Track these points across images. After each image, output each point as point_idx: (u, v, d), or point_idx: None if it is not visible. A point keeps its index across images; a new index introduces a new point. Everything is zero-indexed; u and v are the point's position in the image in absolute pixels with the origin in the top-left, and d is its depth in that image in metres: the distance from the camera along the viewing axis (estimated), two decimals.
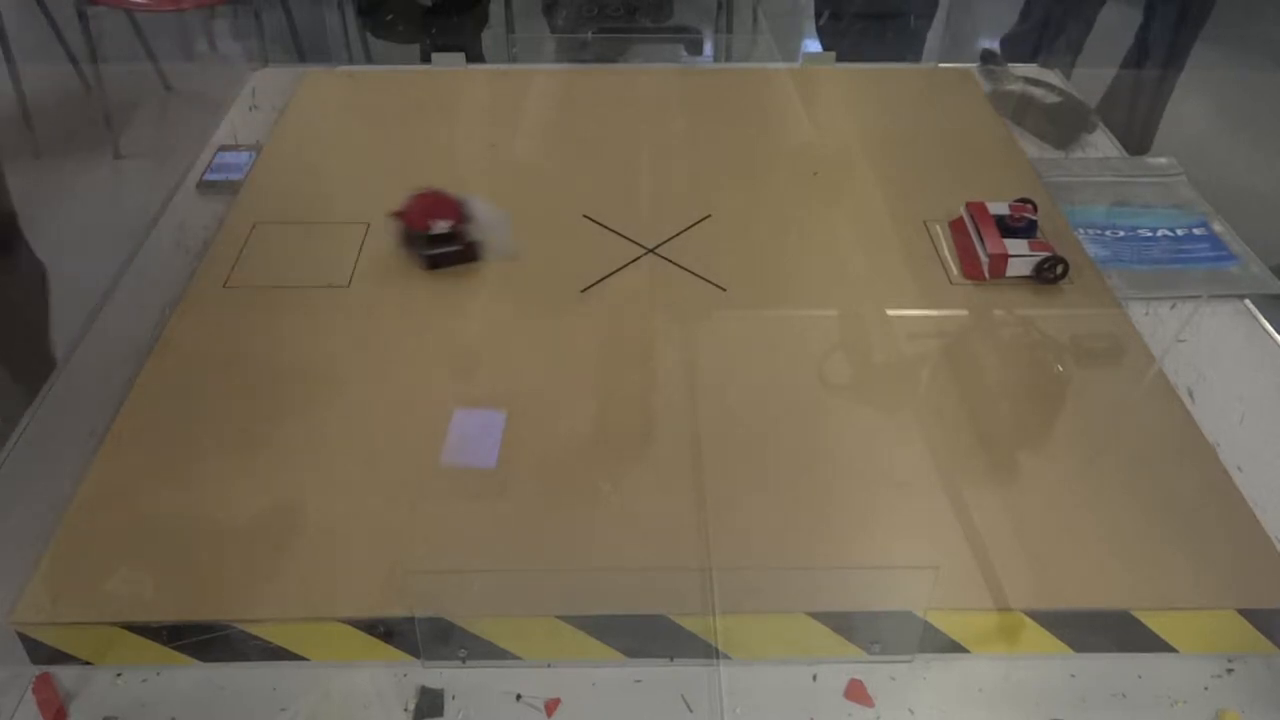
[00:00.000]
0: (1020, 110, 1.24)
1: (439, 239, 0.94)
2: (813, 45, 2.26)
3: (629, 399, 0.82)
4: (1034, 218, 0.96)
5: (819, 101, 1.26)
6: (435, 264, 0.95)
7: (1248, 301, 0.96)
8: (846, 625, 0.66)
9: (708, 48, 2.66)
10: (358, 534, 0.70)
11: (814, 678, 0.66)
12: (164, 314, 0.91)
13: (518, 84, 1.31)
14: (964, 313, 0.92)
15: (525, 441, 0.77)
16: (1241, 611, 0.66)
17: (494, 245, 0.96)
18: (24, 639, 0.65)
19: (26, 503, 0.74)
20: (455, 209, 0.94)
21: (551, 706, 0.64)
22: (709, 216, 1.03)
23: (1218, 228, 1.06)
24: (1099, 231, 1.04)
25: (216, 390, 0.83)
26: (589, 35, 2.23)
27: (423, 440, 0.78)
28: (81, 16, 2.33)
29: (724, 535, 0.70)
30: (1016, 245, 0.94)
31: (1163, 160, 1.16)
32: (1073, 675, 0.66)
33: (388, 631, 0.65)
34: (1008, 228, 0.95)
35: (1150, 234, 1.05)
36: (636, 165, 1.13)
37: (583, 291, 0.93)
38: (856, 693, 0.65)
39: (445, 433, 0.78)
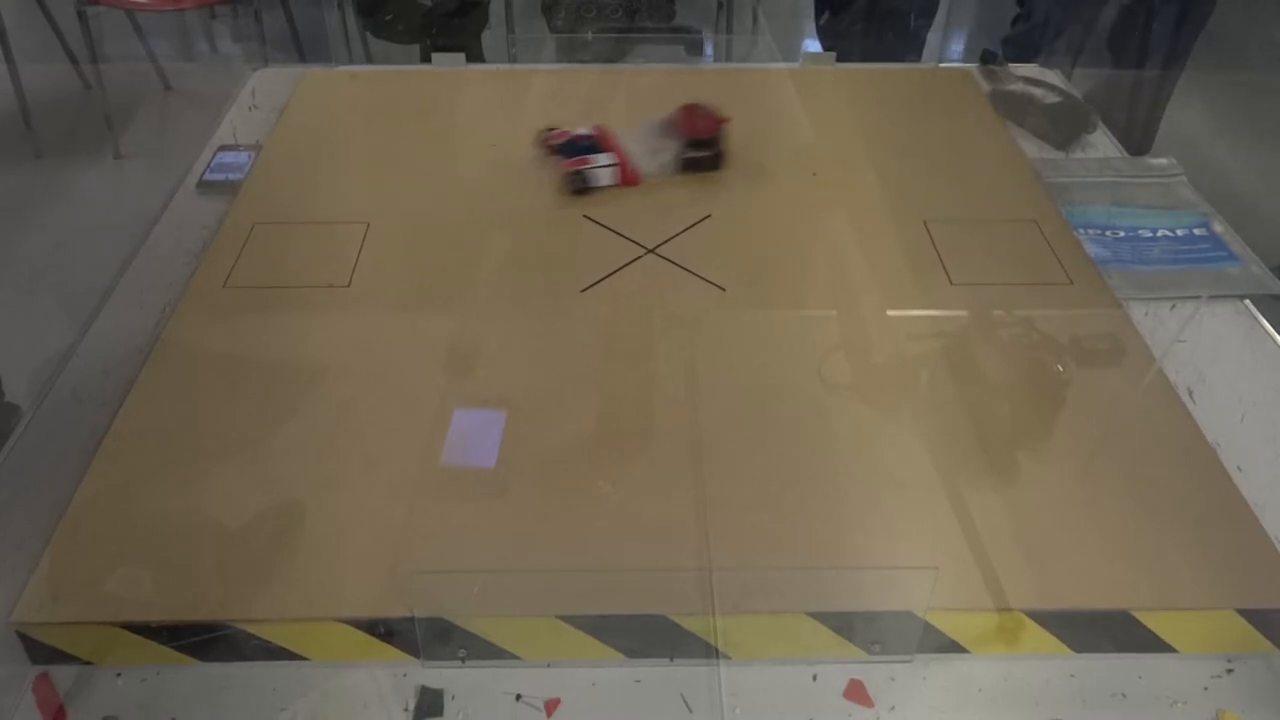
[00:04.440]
0: (1020, 110, 1.24)
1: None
2: (813, 45, 2.26)
3: (629, 399, 0.82)
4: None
5: (819, 101, 1.26)
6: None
7: (1248, 302, 0.96)
8: (846, 625, 0.66)
9: (708, 48, 2.67)
10: (358, 534, 0.70)
11: (814, 678, 0.66)
12: (164, 314, 0.91)
13: (518, 84, 1.31)
14: (964, 313, 0.92)
15: (525, 441, 0.77)
16: (1241, 611, 0.66)
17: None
18: (24, 639, 0.65)
19: (26, 503, 0.73)
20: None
21: (551, 706, 0.64)
22: (709, 216, 1.03)
23: (1218, 228, 1.05)
24: (1099, 232, 1.04)
25: (216, 390, 0.83)
26: (589, 36, 2.23)
27: (423, 440, 0.78)
28: (81, 16, 2.34)
29: (724, 535, 0.70)
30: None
31: (1163, 161, 1.16)
32: (1073, 675, 0.66)
33: (388, 631, 0.65)
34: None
35: (1150, 234, 1.05)
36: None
37: (583, 291, 0.93)
38: (856, 693, 0.65)
39: (445, 433, 0.78)
